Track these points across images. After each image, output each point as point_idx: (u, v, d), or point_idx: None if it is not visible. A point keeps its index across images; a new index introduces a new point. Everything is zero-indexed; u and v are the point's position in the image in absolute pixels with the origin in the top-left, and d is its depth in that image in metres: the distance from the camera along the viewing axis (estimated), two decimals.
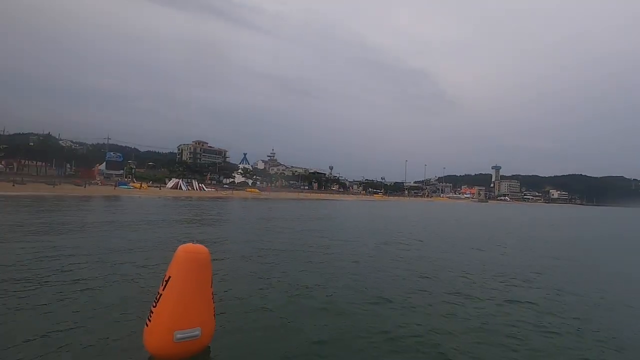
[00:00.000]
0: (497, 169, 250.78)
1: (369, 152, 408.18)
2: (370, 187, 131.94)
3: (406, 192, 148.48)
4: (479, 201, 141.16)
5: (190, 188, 58.24)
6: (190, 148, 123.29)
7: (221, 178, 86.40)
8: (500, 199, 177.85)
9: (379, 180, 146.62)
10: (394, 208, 42.24)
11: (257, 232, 12.68)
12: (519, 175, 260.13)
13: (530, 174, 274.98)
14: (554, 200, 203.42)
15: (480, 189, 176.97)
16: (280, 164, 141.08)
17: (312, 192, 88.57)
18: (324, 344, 3.66)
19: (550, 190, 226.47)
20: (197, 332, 2.98)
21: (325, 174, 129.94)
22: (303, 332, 3.90)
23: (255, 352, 3.42)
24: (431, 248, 10.69)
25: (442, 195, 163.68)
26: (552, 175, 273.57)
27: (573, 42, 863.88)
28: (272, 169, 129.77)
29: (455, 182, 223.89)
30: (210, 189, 62.59)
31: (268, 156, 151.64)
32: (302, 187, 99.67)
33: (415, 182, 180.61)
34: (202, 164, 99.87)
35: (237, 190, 66.80)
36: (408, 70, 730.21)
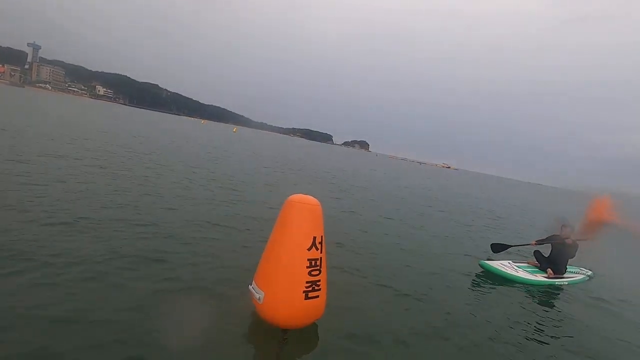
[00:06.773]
0: (35, 48, 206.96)
1: None
2: None
3: None
4: (10, 84, 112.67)
5: None
6: None
7: None
8: (40, 86, 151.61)
9: None
10: None
11: None
12: (63, 62, 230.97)
13: (77, 64, 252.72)
14: (100, 97, 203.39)
15: (13, 69, 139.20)
16: None
17: None
18: None
19: (97, 86, 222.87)
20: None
21: None
22: None
23: None
24: None
25: None
26: (100, 71, 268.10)
27: None
28: None
29: None
30: None
31: None
32: None
33: None
34: None
35: None
36: None
